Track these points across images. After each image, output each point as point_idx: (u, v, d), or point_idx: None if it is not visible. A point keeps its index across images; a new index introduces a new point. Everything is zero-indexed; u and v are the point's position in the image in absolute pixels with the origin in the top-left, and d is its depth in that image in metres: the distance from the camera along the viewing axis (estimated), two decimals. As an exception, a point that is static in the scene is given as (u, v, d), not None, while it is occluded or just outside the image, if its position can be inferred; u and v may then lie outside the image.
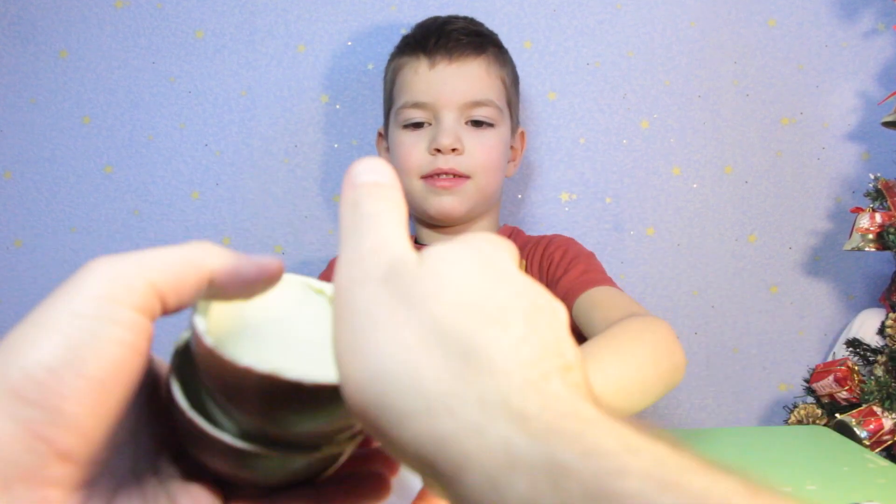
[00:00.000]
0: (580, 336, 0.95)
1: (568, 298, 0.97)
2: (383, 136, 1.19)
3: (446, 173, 1.06)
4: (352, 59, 1.30)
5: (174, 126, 1.29)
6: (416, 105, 1.07)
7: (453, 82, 1.06)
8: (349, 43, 1.29)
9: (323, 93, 1.30)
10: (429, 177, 1.07)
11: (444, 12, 1.27)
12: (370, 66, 1.29)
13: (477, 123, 1.08)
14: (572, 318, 0.96)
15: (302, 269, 1.30)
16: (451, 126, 1.06)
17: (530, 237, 1.16)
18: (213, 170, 1.29)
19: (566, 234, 1.30)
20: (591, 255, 1.08)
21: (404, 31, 1.28)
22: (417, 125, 1.08)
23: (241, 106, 1.29)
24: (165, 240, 1.29)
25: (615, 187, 1.31)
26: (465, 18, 1.14)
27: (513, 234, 1.17)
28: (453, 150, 1.05)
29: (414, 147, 1.07)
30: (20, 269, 1.28)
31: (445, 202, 1.08)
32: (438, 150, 1.05)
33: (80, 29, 1.27)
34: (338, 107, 1.30)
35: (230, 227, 1.29)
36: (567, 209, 1.31)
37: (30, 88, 1.27)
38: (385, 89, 1.16)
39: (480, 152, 1.07)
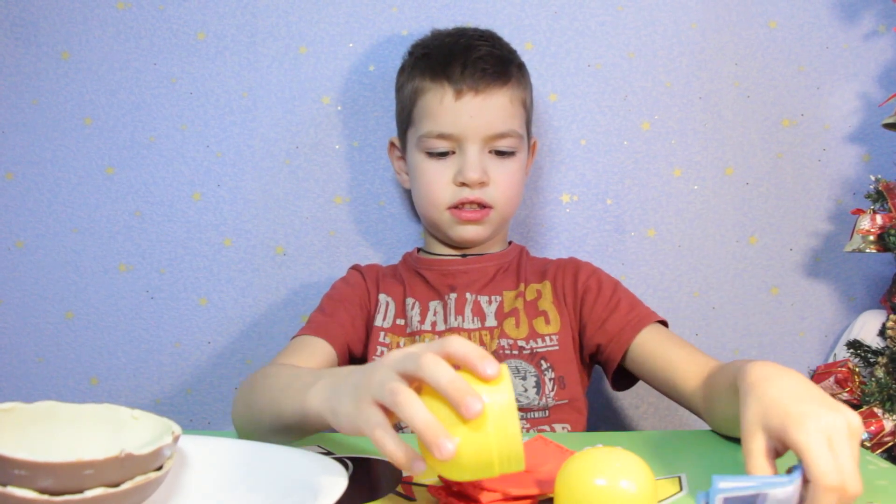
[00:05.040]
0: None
1: (623, 335, 1.03)
2: (396, 146, 1.19)
3: (472, 203, 1.08)
4: (353, 61, 1.30)
5: (176, 127, 1.29)
6: (441, 136, 1.08)
7: (479, 115, 1.07)
8: (351, 45, 1.29)
9: (324, 94, 1.30)
10: (454, 207, 1.09)
11: (445, 14, 1.28)
12: (371, 68, 1.30)
13: (500, 152, 1.10)
14: (627, 354, 1.04)
15: (303, 270, 1.30)
16: (476, 159, 1.07)
17: (547, 260, 1.18)
18: (215, 171, 1.29)
19: (566, 235, 1.31)
20: (619, 284, 1.12)
21: (405, 32, 1.28)
22: (441, 154, 1.09)
23: (243, 107, 1.29)
24: (167, 241, 1.29)
25: (616, 189, 1.32)
26: (488, 40, 1.12)
27: (522, 254, 1.18)
28: (480, 182, 1.07)
29: (440, 177, 1.09)
30: (21, 270, 1.29)
31: (470, 232, 1.11)
32: (464, 183, 1.07)
33: (82, 30, 1.27)
34: (339, 108, 1.30)
35: (231, 229, 1.29)
36: (568, 210, 1.31)
37: (31, 90, 1.27)
38: (402, 104, 1.15)
39: (504, 182, 1.10)
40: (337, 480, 0.61)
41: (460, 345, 0.60)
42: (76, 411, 0.68)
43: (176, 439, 0.65)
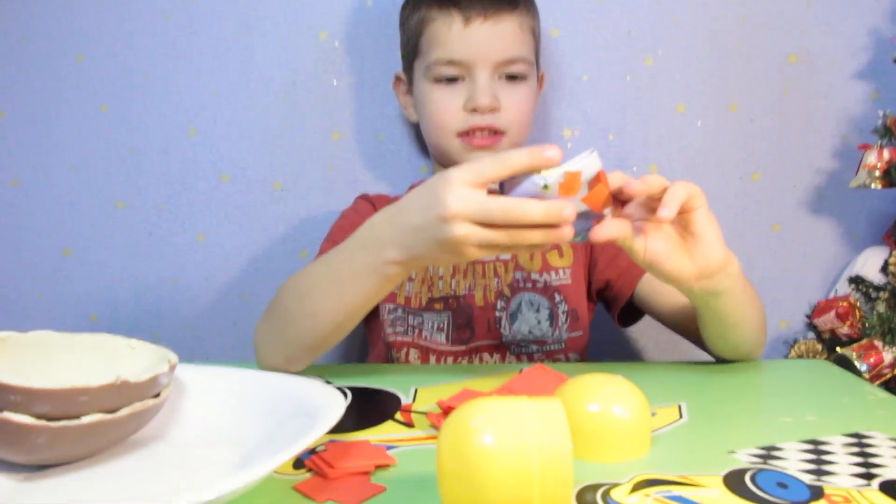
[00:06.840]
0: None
1: (634, 269, 1.04)
2: (402, 80, 1.17)
3: (483, 129, 1.07)
4: (350, -6, 1.27)
5: (170, 63, 1.27)
6: (451, 62, 1.06)
7: (489, 40, 1.05)
8: (348, -23, 1.27)
9: (321, 29, 1.27)
10: (465, 134, 1.07)
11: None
12: (369, 3, 1.27)
13: (511, 77, 1.08)
14: (636, 290, 1.04)
15: (301, 203, 1.29)
16: (487, 84, 1.05)
17: None
18: (210, 107, 1.27)
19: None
20: None
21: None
22: (450, 80, 1.07)
23: (239, 43, 1.27)
24: (164, 178, 1.28)
25: (618, 124, 1.30)
26: None
27: None
28: (491, 108, 1.05)
29: (449, 104, 1.07)
30: (18, 208, 1.28)
31: None
32: (475, 109, 1.05)
33: (73, -37, 1.24)
34: (336, 44, 1.28)
35: (228, 165, 1.28)
36: (570, 146, 1.30)
37: (23, 27, 1.25)
38: (407, 36, 1.13)
39: (515, 108, 1.08)
40: (335, 405, 0.61)
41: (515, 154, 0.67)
42: (72, 341, 0.68)
43: (172, 367, 0.65)
